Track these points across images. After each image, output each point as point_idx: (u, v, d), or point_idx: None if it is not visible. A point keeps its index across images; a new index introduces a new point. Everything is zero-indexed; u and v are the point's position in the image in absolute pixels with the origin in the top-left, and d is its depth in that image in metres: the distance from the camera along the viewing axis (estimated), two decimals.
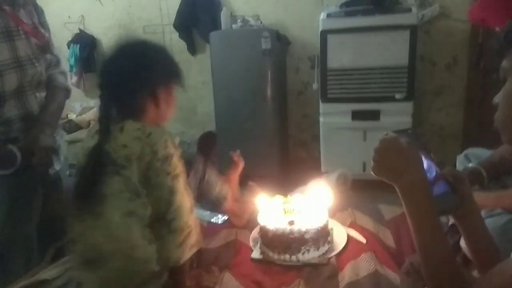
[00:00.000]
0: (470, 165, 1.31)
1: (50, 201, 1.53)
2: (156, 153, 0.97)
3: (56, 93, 1.50)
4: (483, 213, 1.13)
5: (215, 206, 1.45)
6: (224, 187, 1.43)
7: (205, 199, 1.40)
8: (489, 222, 1.08)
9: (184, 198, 1.04)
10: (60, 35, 4.02)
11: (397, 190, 0.74)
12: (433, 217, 0.72)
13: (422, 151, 0.79)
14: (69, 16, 4.07)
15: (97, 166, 0.96)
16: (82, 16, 4.05)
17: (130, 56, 1.06)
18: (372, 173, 0.77)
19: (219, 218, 1.60)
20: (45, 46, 1.43)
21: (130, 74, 1.03)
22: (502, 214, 1.11)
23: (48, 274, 1.21)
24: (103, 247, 0.94)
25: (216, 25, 3.35)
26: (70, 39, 4.03)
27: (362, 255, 1.21)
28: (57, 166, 1.54)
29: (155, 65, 1.07)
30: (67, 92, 1.58)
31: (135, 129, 0.99)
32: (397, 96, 2.74)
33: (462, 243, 0.91)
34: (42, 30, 1.43)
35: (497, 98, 0.70)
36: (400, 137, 0.77)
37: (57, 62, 1.54)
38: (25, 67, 1.32)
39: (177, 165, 1.02)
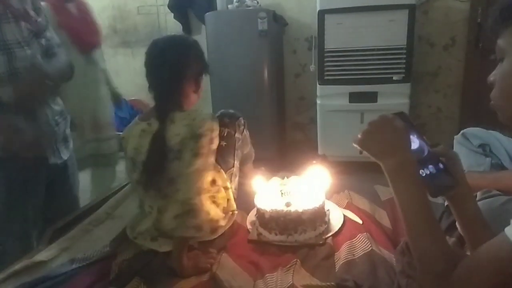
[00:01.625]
0: None
1: (55, 189, 1.52)
2: (196, 133, 1.15)
3: (56, 55, 1.48)
4: (479, 194, 1.13)
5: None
6: (252, 148, 1.70)
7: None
8: (485, 203, 1.08)
9: (200, 177, 1.14)
10: None
11: (383, 169, 0.75)
12: (420, 197, 0.72)
13: (414, 131, 0.80)
14: None
15: (161, 150, 1.16)
16: None
17: (179, 53, 1.23)
18: (355, 145, 0.78)
19: None
20: (38, 31, 1.40)
21: (183, 68, 1.23)
22: (498, 196, 1.11)
23: (45, 255, 1.22)
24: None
25: (211, 5, 3.29)
26: None
27: (358, 235, 1.22)
28: (64, 155, 1.53)
29: (197, 58, 1.28)
30: (69, 65, 1.54)
31: (182, 118, 1.19)
32: (395, 77, 2.73)
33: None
34: (35, 15, 1.39)
35: (493, 76, 0.69)
36: (395, 118, 0.77)
37: (58, 46, 1.51)
38: (13, 50, 1.29)
39: (205, 146, 1.15)
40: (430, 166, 0.77)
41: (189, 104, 1.28)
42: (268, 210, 1.28)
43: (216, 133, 1.20)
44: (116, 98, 2.53)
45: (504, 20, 0.64)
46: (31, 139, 1.35)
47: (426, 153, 0.79)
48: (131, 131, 1.26)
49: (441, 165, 0.78)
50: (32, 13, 1.38)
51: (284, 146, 3.51)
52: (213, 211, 1.17)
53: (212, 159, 1.21)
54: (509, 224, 0.60)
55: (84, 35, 2.22)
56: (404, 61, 2.70)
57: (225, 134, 1.49)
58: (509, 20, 0.64)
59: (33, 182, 1.43)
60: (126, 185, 1.74)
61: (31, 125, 1.36)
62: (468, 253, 0.82)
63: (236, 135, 1.54)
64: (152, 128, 1.19)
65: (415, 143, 0.79)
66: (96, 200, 1.65)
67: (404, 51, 2.68)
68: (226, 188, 1.42)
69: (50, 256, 1.23)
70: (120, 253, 1.22)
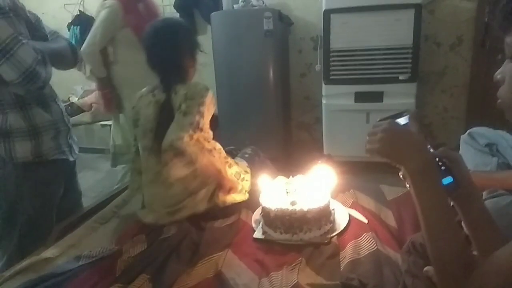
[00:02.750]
0: None
1: (67, 186, 1.52)
2: (188, 97, 1.36)
3: (56, 39, 1.46)
4: (485, 193, 1.13)
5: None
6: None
7: None
8: (491, 203, 1.07)
9: (188, 128, 1.32)
10: (60, 17, 3.99)
11: (406, 172, 0.74)
12: (443, 199, 0.71)
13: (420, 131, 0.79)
14: None
15: (168, 118, 1.35)
16: None
17: (180, 33, 1.42)
18: (370, 154, 0.76)
19: None
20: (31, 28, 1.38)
21: (184, 46, 1.42)
22: (505, 195, 1.11)
23: (51, 252, 1.24)
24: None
25: (217, 5, 3.30)
26: (70, 21, 3.98)
27: (364, 234, 1.21)
28: (77, 151, 1.53)
29: (191, 36, 1.48)
30: (71, 45, 1.50)
31: (183, 89, 1.38)
32: (401, 77, 2.72)
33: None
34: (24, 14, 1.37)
35: (500, 74, 0.67)
36: (400, 124, 0.77)
37: (52, 34, 1.49)
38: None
39: (193, 106, 1.34)
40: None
41: (188, 78, 1.46)
42: (273, 209, 1.28)
43: (205, 98, 1.38)
44: None
45: None
46: (52, 139, 1.35)
47: None
48: (141, 102, 1.44)
49: (443, 167, 0.78)
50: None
51: (290, 146, 3.51)
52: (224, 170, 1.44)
53: (203, 120, 1.36)
54: None
55: None
56: (410, 60, 2.69)
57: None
58: None
59: (57, 183, 1.45)
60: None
61: (50, 124, 1.37)
62: (475, 252, 0.82)
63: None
64: (157, 99, 1.41)
65: None
66: (103, 199, 1.66)
67: (410, 51, 2.67)
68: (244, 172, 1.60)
69: (57, 253, 1.24)
70: (126, 250, 1.22)
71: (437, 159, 0.78)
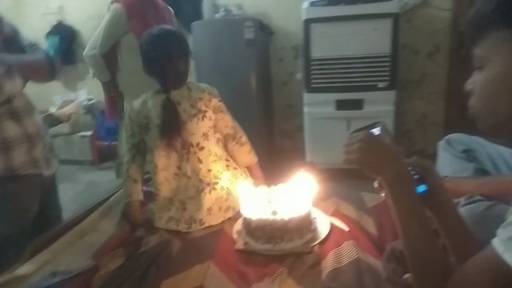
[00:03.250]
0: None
1: (45, 202, 1.46)
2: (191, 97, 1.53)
3: (34, 51, 1.41)
4: (462, 199, 1.14)
5: None
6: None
7: None
8: (468, 209, 1.09)
9: (201, 128, 1.53)
10: (38, 27, 3.93)
11: (383, 181, 0.74)
12: (419, 207, 0.72)
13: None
14: (46, 7, 3.97)
15: (174, 113, 1.48)
16: (61, 7, 3.95)
17: (178, 40, 1.51)
18: (348, 164, 0.77)
19: None
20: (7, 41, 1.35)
21: (186, 51, 1.52)
22: (481, 201, 1.12)
23: (26, 269, 1.19)
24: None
25: (198, 15, 3.31)
26: (48, 31, 3.93)
27: (345, 243, 1.21)
28: (55, 165, 1.48)
29: (187, 43, 1.55)
30: (48, 57, 1.44)
31: (184, 89, 1.54)
32: (380, 85, 2.76)
33: None
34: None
35: (470, 85, 0.68)
36: (374, 134, 0.78)
37: (31, 47, 1.45)
38: None
39: (199, 108, 1.52)
40: None
41: (186, 79, 1.57)
42: (254, 219, 1.27)
43: (210, 101, 1.58)
44: None
45: (482, 28, 0.63)
46: (26, 153, 1.31)
47: None
48: (148, 106, 1.50)
49: (416, 176, 0.78)
50: None
51: (273, 154, 3.51)
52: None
53: (211, 122, 1.57)
54: (495, 233, 0.60)
55: None
56: (389, 68, 2.74)
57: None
58: (487, 28, 0.62)
59: (30, 198, 1.38)
60: (109, 197, 1.71)
61: (24, 138, 1.33)
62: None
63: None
64: (163, 99, 1.49)
65: None
66: (81, 211, 1.62)
67: (389, 59, 2.72)
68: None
69: (32, 269, 1.20)
70: (103, 266, 1.19)
71: (410, 168, 0.78)
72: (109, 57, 2.37)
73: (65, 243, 1.37)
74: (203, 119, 1.52)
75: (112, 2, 2.32)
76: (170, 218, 1.48)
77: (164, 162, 1.51)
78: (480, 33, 0.63)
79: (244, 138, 1.71)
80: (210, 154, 1.54)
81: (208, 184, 1.51)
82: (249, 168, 1.75)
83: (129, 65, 2.34)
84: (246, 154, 1.71)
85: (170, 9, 2.55)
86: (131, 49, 2.28)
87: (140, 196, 1.54)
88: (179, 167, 1.52)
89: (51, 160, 1.46)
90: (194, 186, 1.50)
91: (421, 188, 0.77)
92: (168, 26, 1.70)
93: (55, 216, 1.58)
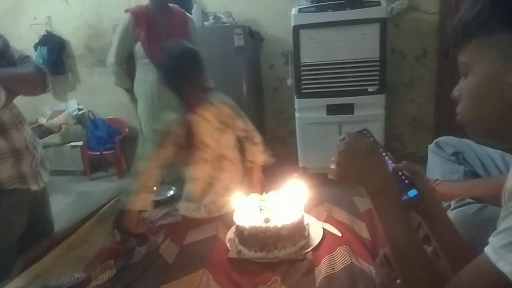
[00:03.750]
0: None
1: (35, 216, 1.43)
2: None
3: (24, 65, 1.38)
4: (453, 202, 1.14)
5: None
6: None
7: None
8: (458, 212, 1.09)
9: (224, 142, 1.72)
10: (26, 37, 3.91)
11: (365, 192, 0.74)
12: (405, 215, 0.71)
13: (380, 148, 0.80)
14: (35, 18, 3.95)
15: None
16: (49, 17, 3.93)
17: (192, 59, 1.60)
18: (332, 177, 0.76)
19: None
20: None
21: (195, 71, 1.60)
22: (472, 204, 1.13)
23: (15, 284, 1.17)
24: None
25: None
26: (37, 41, 3.90)
27: (338, 248, 1.21)
28: (45, 179, 1.45)
29: (201, 60, 1.65)
30: (39, 70, 1.40)
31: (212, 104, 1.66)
32: (370, 89, 2.78)
33: None
34: None
35: (457, 91, 0.68)
36: (361, 140, 0.76)
37: (22, 59, 1.44)
38: None
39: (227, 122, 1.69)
40: (396, 182, 0.77)
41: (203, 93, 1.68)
42: (247, 227, 1.27)
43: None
44: None
45: (465, 35, 0.63)
46: (11, 168, 1.29)
47: (390, 169, 0.79)
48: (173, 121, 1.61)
49: (406, 181, 0.78)
50: None
51: None
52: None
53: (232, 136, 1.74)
54: (485, 237, 0.59)
55: None
56: (378, 73, 2.76)
57: None
58: (470, 35, 0.62)
59: (18, 213, 1.35)
60: (100, 208, 1.69)
61: (10, 152, 1.30)
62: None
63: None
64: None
65: None
66: (70, 225, 1.60)
67: (378, 63, 2.75)
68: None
69: (22, 284, 1.18)
70: (95, 277, 1.18)
71: (400, 173, 0.79)
72: (129, 64, 2.46)
73: (56, 257, 1.35)
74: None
75: (125, 11, 2.41)
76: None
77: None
78: (463, 40, 0.63)
79: (257, 139, 1.86)
80: None
81: None
82: (250, 170, 1.84)
83: (139, 73, 2.40)
84: (257, 153, 1.88)
85: (190, 17, 2.58)
86: (141, 58, 2.35)
87: (148, 207, 1.52)
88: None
89: (42, 174, 1.43)
90: None
91: (412, 192, 0.77)
92: (181, 43, 1.72)
93: (47, 232, 1.55)
